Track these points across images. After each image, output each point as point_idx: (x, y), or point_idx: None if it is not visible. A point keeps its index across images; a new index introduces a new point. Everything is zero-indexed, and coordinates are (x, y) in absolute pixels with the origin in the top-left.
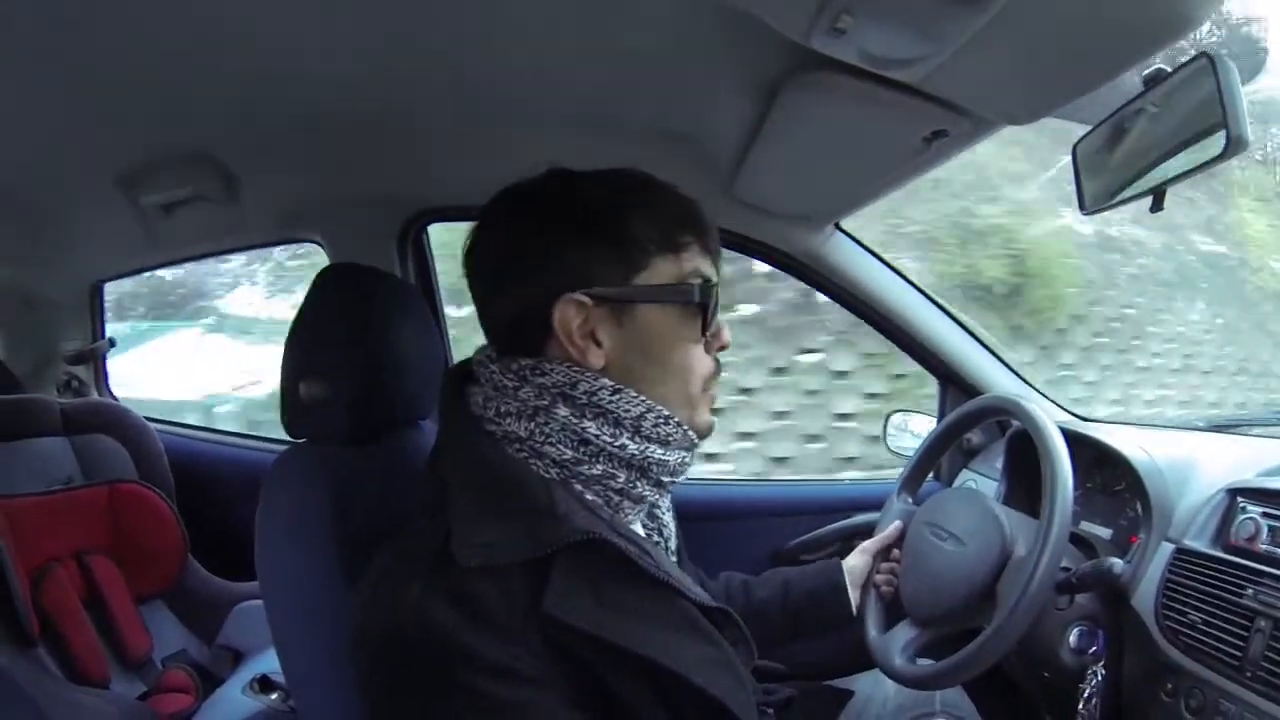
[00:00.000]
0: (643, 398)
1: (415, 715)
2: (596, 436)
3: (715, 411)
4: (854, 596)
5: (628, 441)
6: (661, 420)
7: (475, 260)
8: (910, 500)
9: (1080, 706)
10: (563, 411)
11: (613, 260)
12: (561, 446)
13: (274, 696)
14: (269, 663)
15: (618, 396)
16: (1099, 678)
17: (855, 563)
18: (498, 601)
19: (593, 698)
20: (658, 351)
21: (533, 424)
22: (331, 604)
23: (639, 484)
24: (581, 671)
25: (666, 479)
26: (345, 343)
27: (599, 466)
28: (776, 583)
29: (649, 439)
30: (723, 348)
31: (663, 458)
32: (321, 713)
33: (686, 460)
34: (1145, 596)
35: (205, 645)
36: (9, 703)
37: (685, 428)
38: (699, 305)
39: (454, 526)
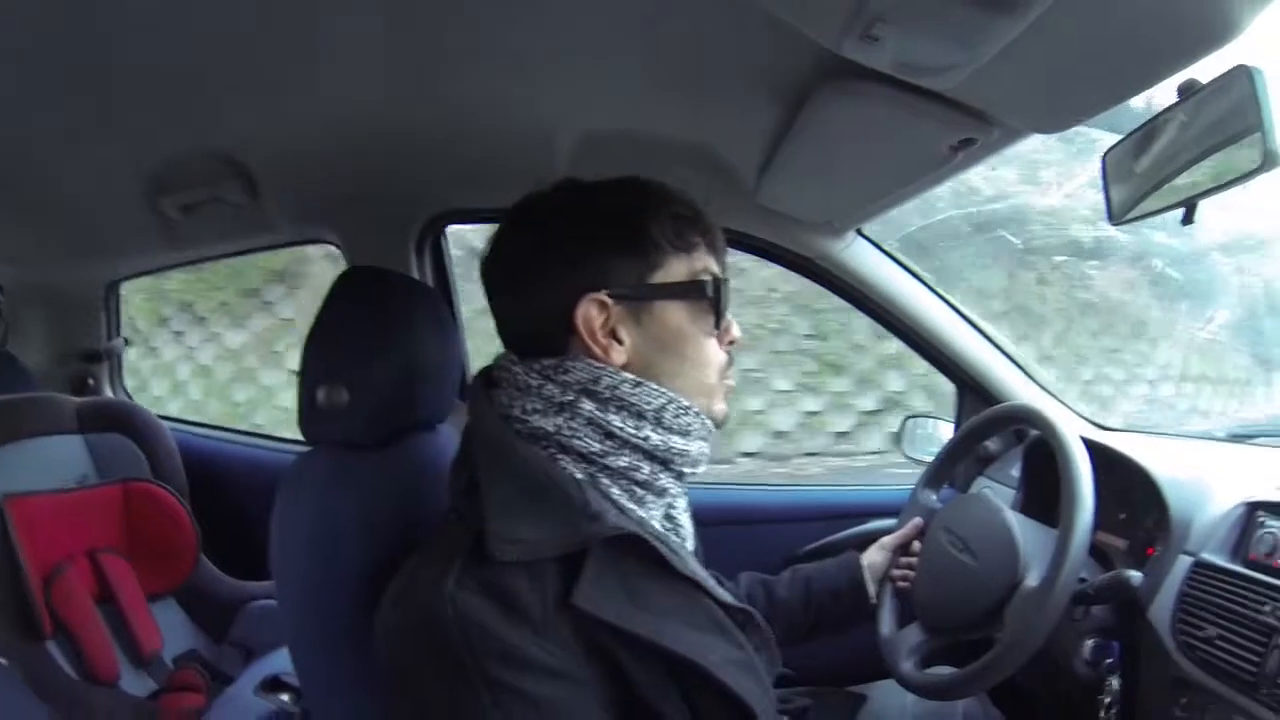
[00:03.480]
0: (663, 389)
1: (445, 707)
2: (621, 429)
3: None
4: (872, 591)
5: (650, 433)
6: (681, 410)
7: (495, 269)
8: (933, 497)
9: (1101, 714)
10: (588, 406)
11: (630, 261)
12: (589, 440)
13: (285, 697)
14: (279, 662)
15: (639, 389)
16: (1115, 690)
17: (874, 559)
18: (530, 595)
19: (618, 693)
20: (675, 345)
21: (560, 419)
22: (347, 608)
23: (661, 476)
24: (608, 666)
25: (688, 470)
26: (365, 347)
27: (624, 458)
28: (798, 580)
29: (670, 429)
30: (733, 342)
31: (684, 447)
32: (334, 715)
33: (705, 450)
34: (1161, 609)
35: (216, 644)
36: (18, 701)
37: (703, 417)
38: (711, 300)
39: (489, 523)
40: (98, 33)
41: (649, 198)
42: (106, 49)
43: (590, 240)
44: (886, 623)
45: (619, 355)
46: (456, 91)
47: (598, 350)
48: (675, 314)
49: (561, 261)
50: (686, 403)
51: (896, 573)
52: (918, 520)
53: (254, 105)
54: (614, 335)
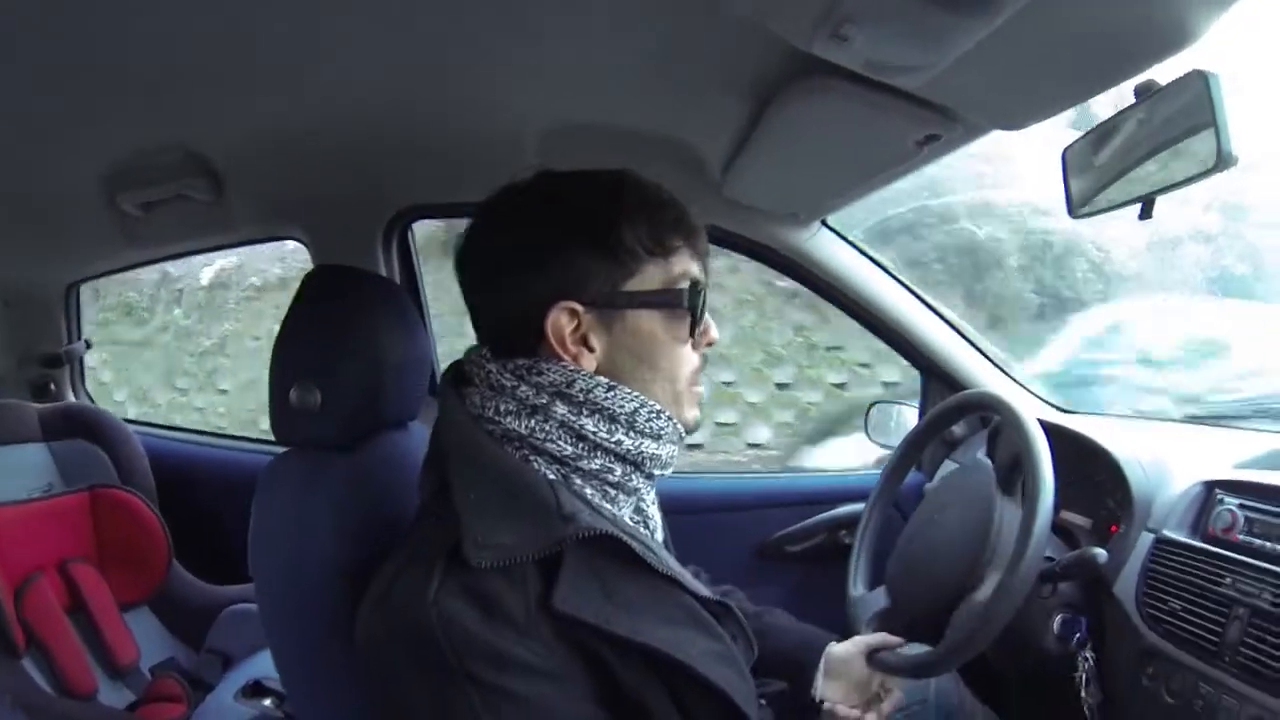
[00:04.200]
0: (635, 394)
1: (435, 712)
2: (594, 433)
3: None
4: (820, 686)
5: (623, 437)
6: (654, 415)
7: (468, 264)
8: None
9: (1082, 693)
10: (560, 409)
11: (603, 266)
12: (561, 443)
13: (267, 702)
14: (259, 667)
15: (612, 394)
16: (1090, 663)
17: (840, 652)
18: (511, 598)
19: (605, 690)
20: (647, 354)
21: (532, 421)
22: (328, 608)
23: (633, 477)
24: (593, 664)
25: (657, 471)
26: (334, 347)
27: (597, 461)
28: (760, 624)
29: (643, 434)
30: (710, 344)
31: (655, 451)
32: (319, 716)
33: (674, 452)
34: (1126, 584)
35: (193, 651)
36: None
37: (675, 422)
38: (687, 309)
39: (464, 527)
40: (59, 28)
41: (625, 198)
42: (68, 44)
43: (562, 243)
44: (858, 584)
45: (589, 362)
46: (424, 85)
47: (567, 357)
48: (648, 323)
49: (533, 265)
50: (659, 407)
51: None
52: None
53: (218, 101)
54: (584, 342)
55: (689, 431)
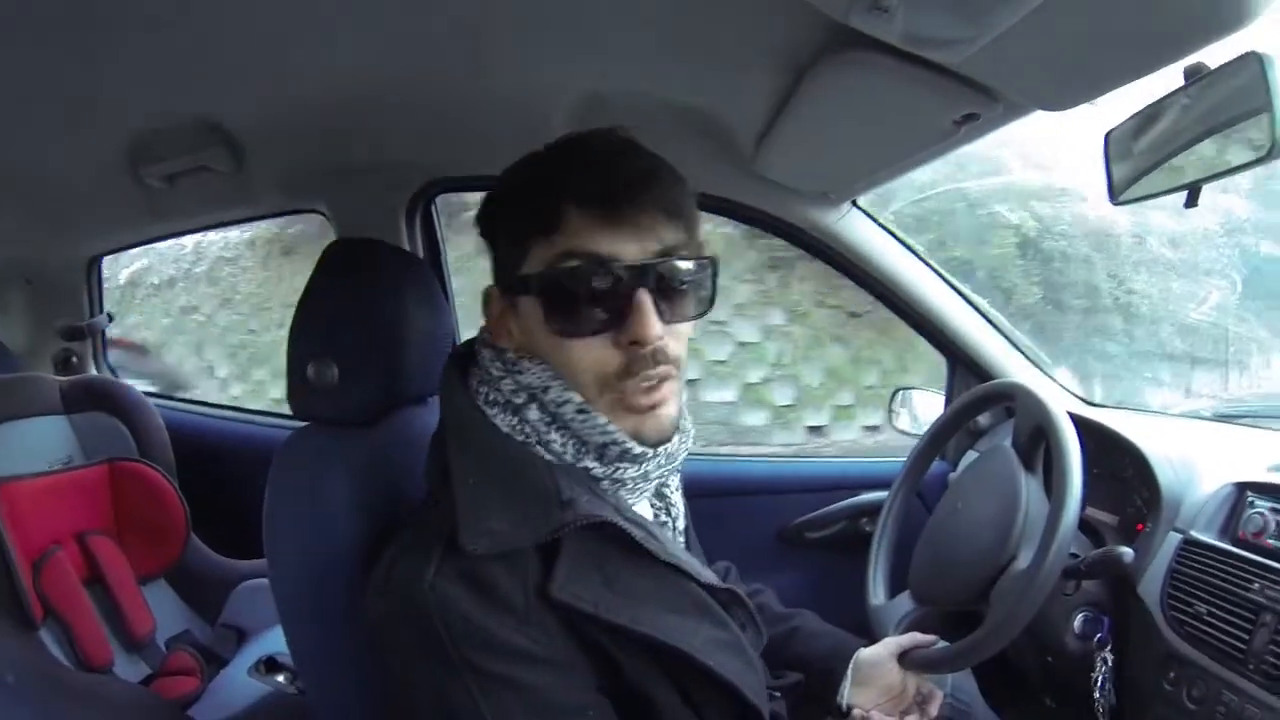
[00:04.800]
0: (582, 402)
1: (432, 698)
2: (561, 452)
3: (649, 410)
4: (847, 691)
5: (592, 464)
6: (597, 427)
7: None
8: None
9: (1095, 693)
10: (534, 415)
11: (508, 246)
12: (540, 449)
13: (281, 678)
14: (273, 642)
15: (582, 416)
16: (1108, 664)
17: (869, 656)
18: (510, 584)
19: (606, 679)
20: (541, 348)
21: (515, 419)
22: (341, 586)
23: (619, 490)
24: (594, 652)
25: (644, 484)
26: (354, 321)
27: (580, 463)
28: (787, 626)
29: (601, 459)
30: (634, 343)
31: (621, 476)
32: (330, 694)
33: (649, 471)
34: (1151, 585)
35: (208, 625)
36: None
37: (618, 432)
38: (569, 293)
39: (460, 514)
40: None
41: (533, 164)
42: (86, 14)
43: (493, 222)
44: (877, 593)
45: (510, 346)
46: (450, 56)
47: (508, 346)
48: (532, 310)
49: (490, 244)
50: (601, 419)
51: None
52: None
53: (239, 72)
54: (507, 328)
55: (644, 443)
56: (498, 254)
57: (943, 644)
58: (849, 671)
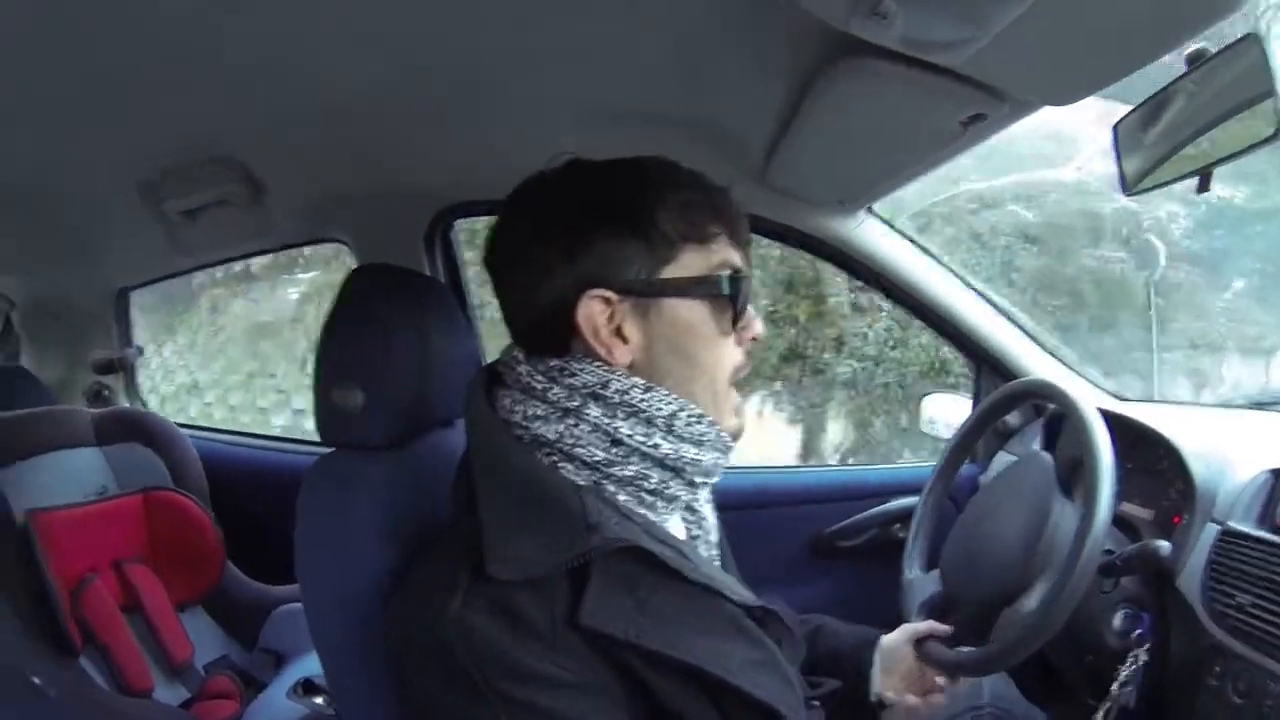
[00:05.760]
0: (674, 395)
1: None
2: (629, 436)
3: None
4: (877, 681)
5: (661, 441)
6: (694, 419)
7: (497, 257)
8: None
9: (1114, 689)
10: (594, 412)
11: (639, 253)
12: (593, 448)
13: (319, 700)
14: (311, 666)
15: (650, 395)
16: (1139, 662)
17: (891, 643)
18: (538, 611)
19: (640, 704)
20: (687, 346)
21: (563, 426)
22: (374, 610)
23: (672, 484)
24: (627, 678)
25: (700, 479)
26: (378, 346)
27: (632, 467)
28: (810, 623)
29: (682, 438)
30: (754, 339)
31: (696, 457)
32: (364, 717)
33: (721, 462)
34: (1191, 578)
35: (246, 650)
36: (52, 710)
37: (718, 428)
38: (729, 298)
39: (486, 540)
40: (94, 36)
41: (657, 182)
42: (104, 49)
43: (590, 229)
44: (913, 566)
45: (624, 355)
46: (459, 80)
47: (601, 350)
48: (688, 313)
49: (560, 253)
50: (699, 410)
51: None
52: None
53: (251, 106)
54: (619, 334)
55: (734, 438)
56: (599, 256)
57: (966, 648)
58: (875, 659)
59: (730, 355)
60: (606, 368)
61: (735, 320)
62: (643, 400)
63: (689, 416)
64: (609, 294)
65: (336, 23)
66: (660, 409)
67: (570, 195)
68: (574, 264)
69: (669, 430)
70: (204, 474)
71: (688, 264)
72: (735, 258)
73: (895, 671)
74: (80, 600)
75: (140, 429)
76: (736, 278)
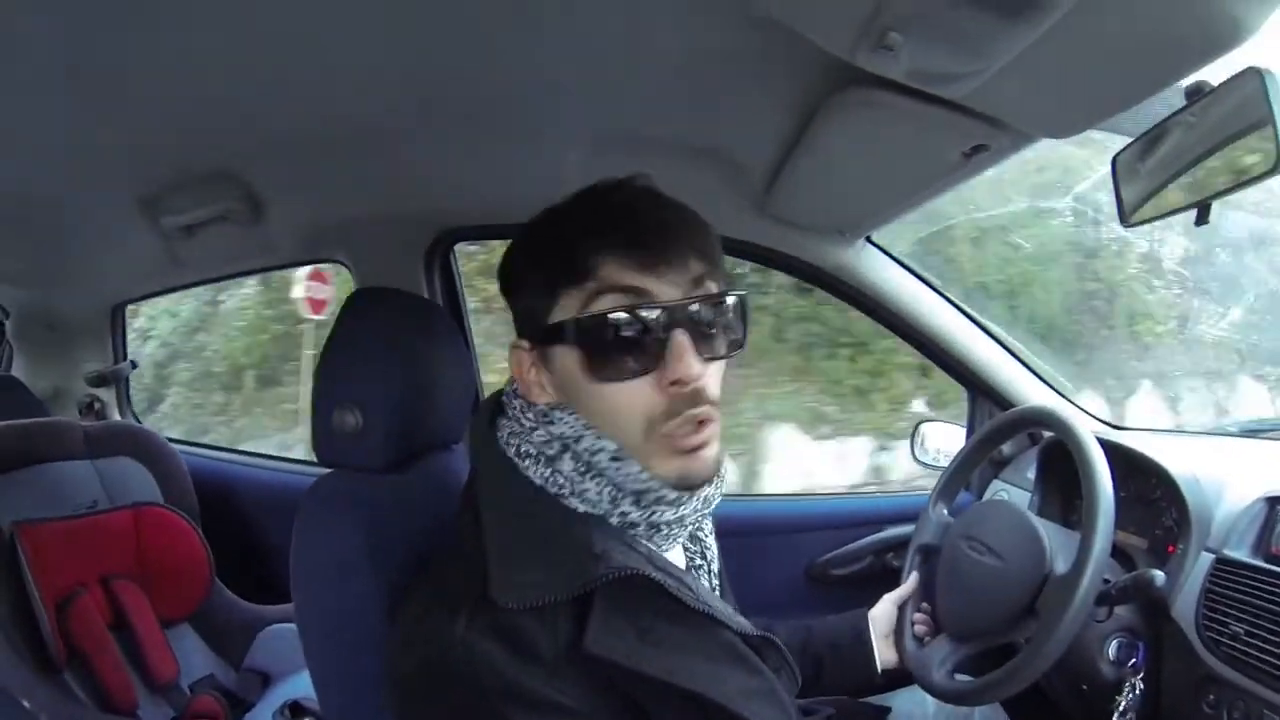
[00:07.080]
0: (619, 448)
1: None
2: (597, 499)
3: (695, 450)
4: (878, 648)
5: (630, 508)
6: (637, 474)
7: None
8: (945, 512)
9: (1115, 717)
10: (568, 466)
11: (535, 297)
12: (574, 499)
13: None
14: (298, 687)
15: (616, 464)
16: (1136, 691)
17: (880, 612)
18: (542, 637)
19: None
20: (579, 397)
21: (547, 471)
22: (369, 632)
23: (654, 536)
24: (627, 704)
25: (679, 529)
26: (376, 369)
27: (614, 518)
28: (799, 627)
29: (638, 504)
30: (675, 383)
31: (661, 519)
32: None
33: (682, 515)
34: (1186, 607)
35: (233, 669)
36: None
37: (651, 478)
38: (607, 337)
39: (491, 567)
40: (95, 52)
41: (559, 214)
42: (106, 64)
43: (514, 276)
44: (911, 639)
45: (541, 398)
46: (464, 102)
47: (540, 401)
48: (565, 359)
49: (512, 296)
50: (636, 467)
51: (919, 627)
52: (915, 576)
53: (253, 124)
54: (542, 385)
55: (679, 488)
56: (522, 306)
57: (954, 679)
58: (870, 632)
59: (636, 401)
60: (583, 422)
61: (607, 362)
62: (609, 466)
63: (638, 478)
64: (521, 343)
65: (344, 47)
66: (624, 476)
67: (521, 238)
68: (514, 310)
69: (637, 500)
70: (194, 490)
71: (566, 305)
72: (633, 280)
73: (889, 635)
74: (67, 615)
75: (132, 443)
76: (616, 311)
